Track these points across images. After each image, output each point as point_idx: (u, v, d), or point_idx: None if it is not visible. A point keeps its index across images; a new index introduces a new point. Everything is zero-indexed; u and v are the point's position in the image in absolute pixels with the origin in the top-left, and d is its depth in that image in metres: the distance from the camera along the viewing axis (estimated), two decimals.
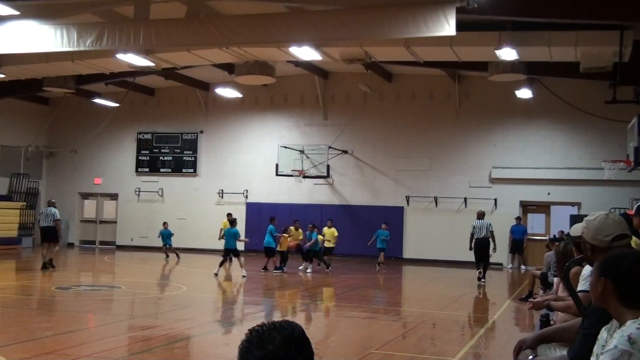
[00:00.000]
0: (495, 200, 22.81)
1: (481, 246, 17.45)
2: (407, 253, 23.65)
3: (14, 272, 19.18)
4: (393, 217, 23.65)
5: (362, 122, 24.23)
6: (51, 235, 17.37)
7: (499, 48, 15.60)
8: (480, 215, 17.87)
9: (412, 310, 12.75)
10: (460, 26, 12.11)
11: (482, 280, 17.34)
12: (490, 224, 17.73)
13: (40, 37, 14.31)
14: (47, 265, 16.99)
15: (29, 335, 8.85)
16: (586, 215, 3.66)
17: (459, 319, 11.85)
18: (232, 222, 17.97)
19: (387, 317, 11.63)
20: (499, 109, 22.89)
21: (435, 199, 23.38)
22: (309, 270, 18.71)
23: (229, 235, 17.57)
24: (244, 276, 16.85)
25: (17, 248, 24.40)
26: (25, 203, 25.96)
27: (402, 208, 23.80)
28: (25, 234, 25.49)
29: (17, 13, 13.68)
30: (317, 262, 19.04)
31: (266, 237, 18.66)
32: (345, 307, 12.56)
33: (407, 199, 23.71)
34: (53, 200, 18.67)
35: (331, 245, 19.59)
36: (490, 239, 17.48)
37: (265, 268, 18.57)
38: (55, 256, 17.62)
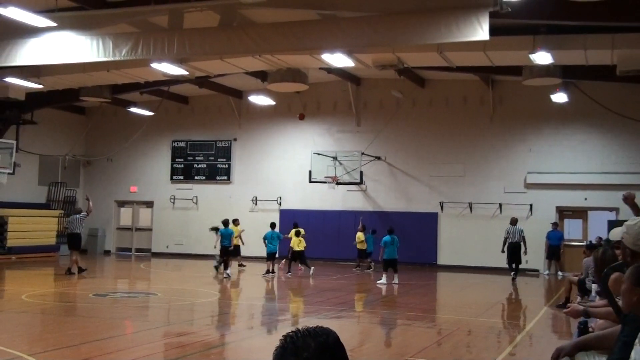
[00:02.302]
0: (531, 205, 22.46)
1: (514, 249, 19.26)
2: (442, 259, 23.44)
3: (52, 279, 19.55)
4: (427, 223, 23.49)
5: (395, 128, 24.13)
6: (76, 241, 17.91)
7: (533, 52, 15.41)
8: (514, 222, 19.57)
9: (447, 317, 12.61)
10: (493, 30, 12.00)
11: (514, 280, 18.91)
12: (522, 230, 19.47)
13: (77, 48, 14.62)
14: (72, 272, 17.44)
15: (68, 341, 9.00)
16: (625, 221, 3.58)
17: (495, 325, 11.68)
18: (225, 223, 18.98)
19: (422, 324, 11.53)
20: (533, 114, 22.58)
21: (470, 204, 23.14)
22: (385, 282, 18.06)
23: (225, 235, 18.68)
24: (225, 277, 17.90)
25: (55, 255, 24.86)
26: (63, 211, 26.45)
27: (436, 214, 23.60)
28: (63, 241, 25.90)
29: (55, 24, 13.98)
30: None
31: (274, 243, 19.60)
32: (379, 314, 12.48)
33: (441, 205, 23.51)
34: (79, 207, 19.13)
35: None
36: (521, 243, 19.33)
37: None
38: (74, 263, 17.93)
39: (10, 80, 19.31)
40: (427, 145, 23.85)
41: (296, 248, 19.44)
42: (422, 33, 12.67)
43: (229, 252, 18.78)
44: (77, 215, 18.11)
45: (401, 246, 23.31)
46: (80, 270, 17.38)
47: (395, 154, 24.25)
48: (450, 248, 23.40)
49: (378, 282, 17.60)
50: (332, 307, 13.76)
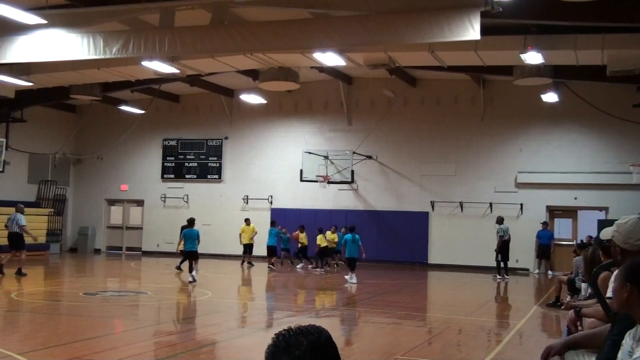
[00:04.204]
0: (521, 205, 22.57)
1: (507, 246, 19.64)
2: (432, 258, 23.51)
3: (42, 277, 19.44)
4: (418, 222, 23.56)
5: (387, 127, 24.18)
6: (16, 241, 17.06)
7: (524, 52, 15.48)
8: (502, 220, 19.79)
9: (438, 316, 12.66)
10: (484, 30, 12.05)
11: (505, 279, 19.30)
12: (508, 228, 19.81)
13: (68, 46, 14.54)
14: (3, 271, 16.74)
15: (57, 340, 8.95)
16: (615, 220, 3.60)
17: (485, 324, 11.72)
18: (191, 222, 17.22)
19: (413, 323, 11.56)
20: (524, 113, 22.68)
21: (461, 204, 23.22)
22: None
23: (189, 236, 16.78)
24: (191, 281, 16.09)
25: (45, 254, 24.73)
26: (53, 209, 26.33)
27: (427, 213, 23.67)
28: (54, 240, 25.84)
29: (45, 22, 13.91)
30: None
31: (270, 239, 20.94)
32: (370, 313, 12.50)
33: (432, 204, 23.57)
34: (21, 206, 17.98)
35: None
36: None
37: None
38: (23, 264, 17.05)
39: (0, 77, 19.17)
40: (418, 145, 23.90)
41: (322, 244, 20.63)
42: (413, 32, 12.69)
43: (193, 255, 16.79)
44: (19, 215, 17.21)
45: (392, 245, 23.60)
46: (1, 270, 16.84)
47: (387, 153, 24.29)
48: (440, 247, 23.47)
49: (349, 280, 17.28)
50: (323, 306, 13.77)
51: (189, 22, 14.25)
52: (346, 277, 17.37)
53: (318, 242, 20.97)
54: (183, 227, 18.19)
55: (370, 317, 12.02)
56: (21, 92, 21.64)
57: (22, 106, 23.49)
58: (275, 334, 1.84)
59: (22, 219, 17.15)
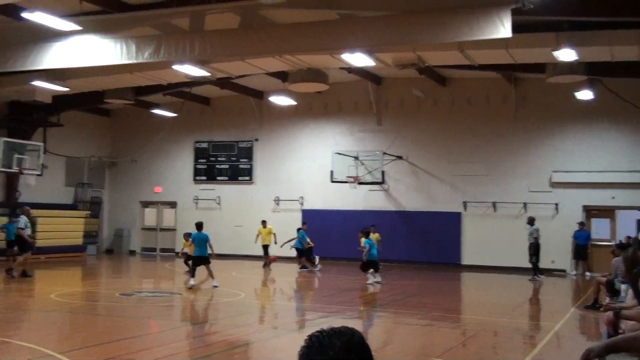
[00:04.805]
0: (556, 205, 22.21)
1: (538, 247, 19.44)
2: (466, 259, 23.28)
3: (79, 278, 19.81)
4: (450, 222, 23.37)
5: (417, 127, 24.05)
6: (18, 243, 17.18)
7: (556, 49, 15.23)
8: (533, 221, 19.70)
9: (472, 318, 12.55)
10: (515, 28, 11.90)
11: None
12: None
13: (102, 51, 14.81)
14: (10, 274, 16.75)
15: (95, 340, 9.12)
16: None
17: (521, 326, 11.58)
18: (199, 226, 16.28)
19: (446, 325, 11.47)
20: (558, 112, 22.32)
21: (494, 204, 22.96)
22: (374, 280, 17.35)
23: (200, 241, 15.75)
24: (216, 286, 15.33)
25: (82, 255, 25.19)
26: (89, 212, 26.79)
27: (459, 214, 23.46)
28: (90, 241, 26.29)
29: (80, 28, 14.18)
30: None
31: (298, 241, 20.86)
32: (403, 314, 12.45)
33: (465, 204, 23.36)
34: (26, 208, 18.07)
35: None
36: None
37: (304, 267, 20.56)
38: (20, 266, 16.97)
39: (37, 83, 19.59)
40: (449, 144, 23.71)
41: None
42: (443, 31, 12.61)
43: (205, 260, 15.70)
44: (20, 217, 17.34)
45: (424, 246, 23.47)
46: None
47: (417, 153, 24.15)
48: (474, 248, 23.23)
49: (372, 281, 17.04)
50: (355, 307, 13.76)
51: (218, 25, 14.39)
52: (372, 279, 17.21)
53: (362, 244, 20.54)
54: (186, 233, 18.62)
55: (403, 319, 11.96)
56: (58, 98, 22.08)
57: (59, 111, 23.96)
58: (309, 335, 1.86)
59: (20, 222, 17.16)
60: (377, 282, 16.93)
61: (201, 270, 15.66)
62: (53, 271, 20.47)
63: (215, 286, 15.29)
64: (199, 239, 15.77)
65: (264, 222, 22.30)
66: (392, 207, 24.37)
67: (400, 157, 24.01)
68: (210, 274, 15.51)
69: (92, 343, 8.85)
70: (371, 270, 17.07)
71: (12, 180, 23.61)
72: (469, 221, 23.39)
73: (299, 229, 21.47)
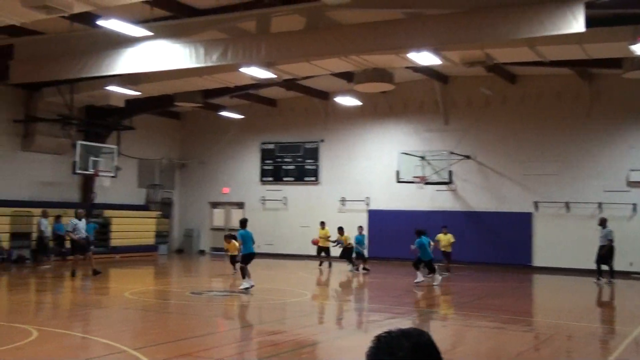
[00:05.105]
0: (634, 205, 21.31)
1: (612, 250, 18.51)
2: (537, 261, 22.65)
3: (152, 277, 20.41)
4: (520, 223, 22.80)
5: (485, 126, 23.59)
6: (71, 245, 17.62)
7: (633, 43, 14.60)
8: (606, 222, 18.85)
9: (545, 321, 12.19)
10: (589, 22, 11.51)
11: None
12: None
13: (172, 55, 15.22)
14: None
15: (167, 337, 9.37)
16: None
17: (597, 331, 11.18)
18: (244, 223, 15.45)
19: (517, 328, 11.18)
20: (635, 108, 21.42)
21: (567, 204, 22.24)
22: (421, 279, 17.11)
23: (248, 238, 15.03)
24: (249, 287, 14.66)
25: (154, 255, 25.95)
26: (160, 212, 27.58)
27: (529, 214, 22.85)
28: (161, 241, 27.05)
29: (151, 34, 14.61)
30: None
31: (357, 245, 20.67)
32: (472, 316, 12.22)
33: (536, 204, 22.73)
34: (80, 210, 18.34)
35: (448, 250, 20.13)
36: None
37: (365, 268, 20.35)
38: (74, 266, 17.24)
39: (111, 88, 20.34)
40: (519, 143, 23.13)
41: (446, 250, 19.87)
42: (512, 28, 12.33)
43: (253, 257, 15.14)
44: (71, 220, 17.78)
45: (493, 247, 22.97)
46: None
47: (486, 153, 23.68)
48: (546, 249, 22.58)
49: (434, 283, 16.83)
50: (422, 309, 13.61)
51: (284, 27, 14.53)
52: (435, 280, 17.00)
53: (443, 244, 20.26)
54: (227, 235, 18.78)
55: (472, 321, 11.75)
56: (130, 102, 22.86)
57: (131, 115, 24.77)
58: (376, 336, 1.84)
59: (69, 225, 17.76)
60: (417, 283, 16.67)
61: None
62: (127, 270, 21.18)
63: (246, 288, 14.38)
64: (247, 235, 14.98)
65: (322, 224, 22.26)
66: (460, 207, 23.98)
67: (468, 157, 23.61)
68: (248, 274, 14.75)
69: (164, 340, 9.10)
70: (426, 270, 16.94)
71: (88, 182, 24.59)
72: (540, 222, 22.75)
73: (361, 234, 21.23)
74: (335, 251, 21.70)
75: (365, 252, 21.23)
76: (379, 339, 1.83)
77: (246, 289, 14.40)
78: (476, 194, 23.81)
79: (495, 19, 12.35)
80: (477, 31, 12.65)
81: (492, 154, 23.58)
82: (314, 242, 21.71)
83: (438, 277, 17.08)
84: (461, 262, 21.54)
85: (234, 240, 18.10)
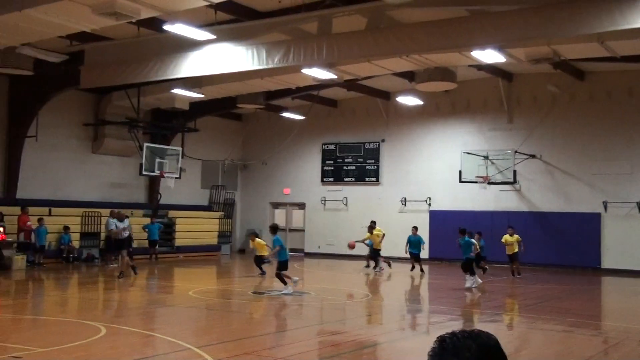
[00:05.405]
0: None
1: None
2: (607, 263, 21.87)
3: (215, 276, 20.77)
4: (588, 224, 22.08)
5: (551, 125, 22.94)
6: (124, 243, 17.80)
7: None
8: None
9: (614, 325, 11.75)
10: None
11: None
12: None
13: (235, 58, 15.45)
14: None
15: (230, 336, 9.52)
16: None
17: None
18: (275, 228, 15.03)
19: (586, 331, 10.81)
20: None
21: (638, 204, 21.39)
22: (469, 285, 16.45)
23: (282, 244, 14.60)
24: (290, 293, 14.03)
25: (217, 254, 26.42)
26: (223, 213, 28.05)
27: (598, 215, 22.08)
28: (224, 241, 27.50)
29: (214, 37, 14.87)
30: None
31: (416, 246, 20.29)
32: (538, 319, 11.90)
33: (605, 204, 21.95)
34: (115, 211, 19.05)
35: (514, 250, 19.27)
36: None
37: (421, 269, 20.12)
38: (124, 264, 17.45)
39: (176, 91, 20.83)
40: (587, 142, 22.40)
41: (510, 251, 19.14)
42: (580, 23, 11.94)
43: (286, 266, 14.60)
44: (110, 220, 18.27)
45: (559, 248, 22.31)
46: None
47: (552, 152, 23.03)
48: (616, 251, 21.77)
49: (472, 285, 16.11)
50: (486, 311, 13.35)
51: (345, 28, 14.52)
52: (479, 282, 16.36)
53: (509, 244, 19.71)
54: (251, 234, 18.62)
55: (538, 324, 11.43)
56: (194, 104, 23.35)
57: (195, 117, 25.30)
58: (440, 337, 1.81)
59: (110, 224, 18.41)
60: (468, 288, 15.94)
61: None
62: (190, 269, 21.63)
63: (286, 294, 13.91)
64: (280, 242, 14.53)
65: (373, 223, 21.98)
66: (525, 207, 23.41)
67: (533, 156, 23.03)
68: (288, 277, 14.39)
69: (227, 339, 9.24)
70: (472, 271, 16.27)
71: (154, 183, 25.25)
72: (610, 222, 21.96)
73: (415, 235, 20.85)
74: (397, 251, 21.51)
75: (423, 253, 20.94)
76: (443, 340, 1.80)
77: (288, 294, 13.94)
78: (542, 194, 23.19)
79: (562, 14, 11.99)
80: (543, 27, 12.32)
81: (559, 153, 22.91)
82: (352, 246, 20.80)
83: (476, 280, 16.23)
84: (526, 263, 21.00)
85: (258, 239, 17.99)
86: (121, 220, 17.90)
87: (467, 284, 16.08)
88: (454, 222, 22.94)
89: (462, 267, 16.50)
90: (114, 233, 18.08)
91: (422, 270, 20.21)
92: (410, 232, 20.87)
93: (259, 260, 18.02)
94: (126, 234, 17.59)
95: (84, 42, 17.16)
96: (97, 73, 17.75)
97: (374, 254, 20.89)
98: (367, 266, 21.36)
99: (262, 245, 17.60)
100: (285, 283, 14.31)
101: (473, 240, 16.84)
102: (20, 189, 21.37)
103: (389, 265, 21.08)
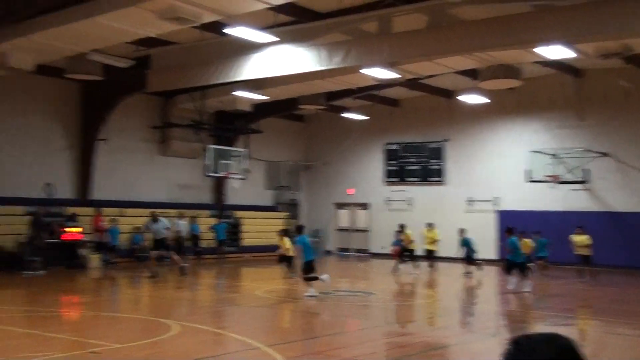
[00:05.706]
0: None
1: None
2: None
3: (280, 276, 20.95)
4: None
5: (624, 121, 22.11)
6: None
7: None
8: None
9: None
10: None
11: None
12: None
13: (296, 59, 15.58)
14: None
15: (298, 335, 9.61)
16: None
17: None
18: (301, 229, 14.85)
19: None
20: None
21: None
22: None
23: (307, 244, 14.16)
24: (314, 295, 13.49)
25: None
26: (287, 213, 28.30)
27: None
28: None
29: (276, 39, 15.03)
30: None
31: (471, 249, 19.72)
32: (612, 323, 11.49)
33: None
34: (153, 211, 18.89)
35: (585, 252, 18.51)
36: None
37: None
38: (178, 263, 17.81)
39: (239, 93, 21.16)
40: None
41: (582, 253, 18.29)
42: None
43: (311, 267, 13.88)
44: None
45: (635, 249, 21.45)
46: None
47: (626, 149, 22.18)
48: None
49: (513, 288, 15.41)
50: (559, 314, 12.99)
51: (406, 27, 14.42)
52: (526, 286, 15.37)
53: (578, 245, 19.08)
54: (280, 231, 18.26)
55: (612, 328, 11.05)
56: (257, 106, 23.66)
57: (258, 118, 25.63)
58: (514, 338, 1.78)
59: (149, 226, 18.37)
60: (517, 292, 15.15)
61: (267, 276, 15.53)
62: (257, 269, 21.93)
63: (312, 296, 13.38)
64: (306, 242, 14.08)
65: (431, 225, 21.62)
66: (597, 207, 22.64)
67: (605, 154, 22.24)
68: (316, 278, 13.82)
69: (294, 338, 9.33)
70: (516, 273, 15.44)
71: (219, 185, 25.73)
72: None
73: (465, 237, 20.26)
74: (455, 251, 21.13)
75: (490, 254, 20.47)
76: (518, 342, 1.77)
77: (314, 296, 13.41)
78: (615, 193, 22.38)
79: (634, 7, 11.55)
80: (614, 22, 11.91)
81: (633, 150, 22.06)
82: (395, 253, 20.54)
83: (529, 283, 15.42)
84: (599, 265, 20.30)
85: (285, 238, 17.59)
86: (155, 221, 17.96)
87: (526, 288, 15.21)
88: (522, 223, 22.41)
89: (505, 270, 15.73)
90: (152, 233, 18.22)
91: (470, 272, 19.66)
92: (469, 234, 20.38)
93: (286, 260, 17.56)
94: (163, 234, 17.67)
95: (150, 47, 17.66)
96: (162, 77, 18.26)
97: (407, 254, 20.46)
98: (414, 267, 20.61)
99: (288, 244, 17.23)
100: (311, 282, 13.57)
101: (514, 239, 15.89)
102: (93, 190, 22.19)
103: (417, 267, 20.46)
